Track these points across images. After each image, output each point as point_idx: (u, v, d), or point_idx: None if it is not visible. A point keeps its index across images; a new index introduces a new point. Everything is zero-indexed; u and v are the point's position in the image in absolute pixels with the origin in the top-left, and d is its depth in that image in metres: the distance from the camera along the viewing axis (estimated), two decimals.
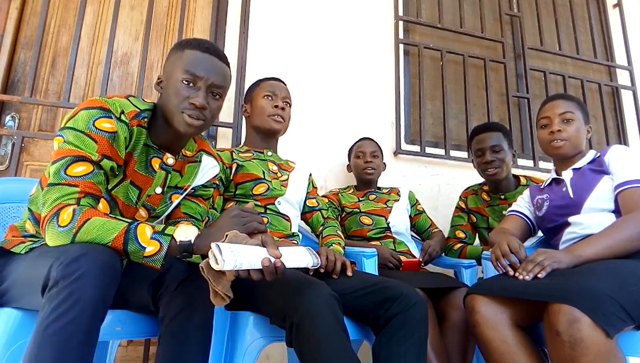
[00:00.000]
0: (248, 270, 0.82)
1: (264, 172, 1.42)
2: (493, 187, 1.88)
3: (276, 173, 1.48)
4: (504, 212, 1.81)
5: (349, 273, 1.23)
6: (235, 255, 0.79)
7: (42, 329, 0.70)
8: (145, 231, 0.84)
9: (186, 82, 0.97)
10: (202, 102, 0.96)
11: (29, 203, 1.00)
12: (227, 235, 0.87)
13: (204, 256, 0.86)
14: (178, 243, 0.85)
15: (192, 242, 0.86)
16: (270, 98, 1.48)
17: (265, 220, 1.36)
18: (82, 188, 0.87)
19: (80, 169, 0.87)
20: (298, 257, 0.93)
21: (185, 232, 0.87)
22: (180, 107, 0.97)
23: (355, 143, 1.99)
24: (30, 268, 0.85)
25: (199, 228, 0.90)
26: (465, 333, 1.38)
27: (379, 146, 1.96)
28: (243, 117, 1.62)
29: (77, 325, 0.70)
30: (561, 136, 1.35)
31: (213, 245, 0.80)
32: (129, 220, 0.86)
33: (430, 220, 1.98)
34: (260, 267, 0.82)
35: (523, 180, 1.87)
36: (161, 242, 0.84)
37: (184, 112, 0.97)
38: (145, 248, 0.83)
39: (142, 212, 1.05)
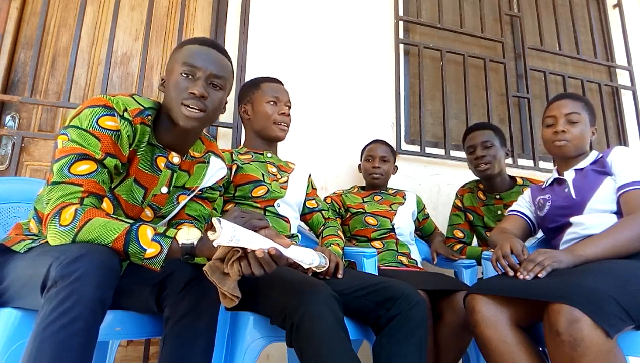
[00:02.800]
0: (250, 266, 0.82)
1: (263, 175, 1.42)
2: (488, 185, 1.88)
3: (275, 175, 1.47)
4: (499, 212, 1.82)
5: (339, 275, 1.23)
6: (235, 229, 0.79)
7: (41, 329, 0.69)
8: (146, 232, 0.84)
9: (185, 75, 0.97)
10: (201, 90, 0.95)
11: (35, 202, 1.00)
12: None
13: (208, 258, 0.86)
14: (180, 245, 0.85)
15: (195, 244, 0.86)
16: (274, 104, 1.46)
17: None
18: (85, 187, 0.87)
19: (83, 167, 0.87)
20: (305, 252, 0.92)
21: (188, 234, 0.87)
22: (180, 99, 0.96)
23: (367, 145, 1.97)
24: (29, 267, 0.85)
25: (201, 231, 0.90)
26: (460, 337, 1.39)
27: (390, 149, 1.94)
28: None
29: (77, 325, 0.70)
30: (565, 136, 1.34)
31: (214, 219, 0.80)
32: (131, 221, 0.86)
33: (434, 224, 2.02)
34: (258, 247, 0.81)
35: (519, 181, 1.87)
36: (162, 245, 0.84)
37: (184, 103, 0.96)
38: (145, 249, 0.83)
39: (148, 212, 1.04)
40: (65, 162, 0.87)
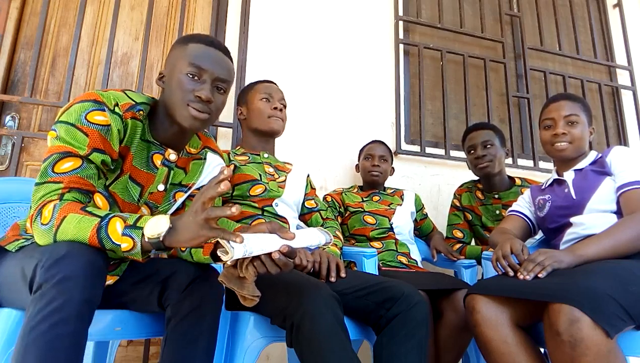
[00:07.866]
0: (265, 266, 0.82)
1: (260, 175, 1.42)
2: (487, 185, 1.88)
3: (273, 174, 1.47)
4: (497, 212, 1.82)
5: (332, 279, 1.20)
6: (245, 244, 0.78)
7: (27, 332, 0.68)
8: (116, 227, 0.79)
9: (191, 75, 0.96)
10: (208, 95, 0.95)
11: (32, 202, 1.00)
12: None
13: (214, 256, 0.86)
14: (147, 240, 0.78)
15: (162, 238, 0.78)
16: (267, 100, 1.48)
17: (262, 220, 1.36)
18: (66, 184, 0.85)
19: (67, 165, 0.86)
20: (309, 236, 0.91)
21: (156, 226, 0.79)
22: (186, 100, 0.95)
23: (366, 144, 1.98)
24: (16, 267, 0.84)
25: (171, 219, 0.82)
26: (460, 337, 1.39)
27: (389, 150, 1.96)
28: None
29: (63, 327, 0.69)
30: (565, 139, 1.34)
31: (222, 241, 0.78)
32: (102, 214, 0.81)
33: (432, 223, 2.02)
34: (271, 250, 0.81)
35: (518, 181, 1.88)
36: (133, 238, 0.78)
37: (189, 105, 0.95)
38: (120, 245, 0.79)
39: (145, 210, 1.03)
40: (49, 161, 0.86)
